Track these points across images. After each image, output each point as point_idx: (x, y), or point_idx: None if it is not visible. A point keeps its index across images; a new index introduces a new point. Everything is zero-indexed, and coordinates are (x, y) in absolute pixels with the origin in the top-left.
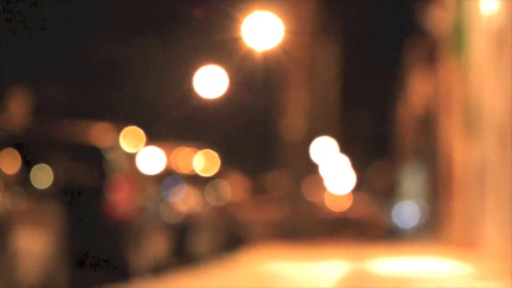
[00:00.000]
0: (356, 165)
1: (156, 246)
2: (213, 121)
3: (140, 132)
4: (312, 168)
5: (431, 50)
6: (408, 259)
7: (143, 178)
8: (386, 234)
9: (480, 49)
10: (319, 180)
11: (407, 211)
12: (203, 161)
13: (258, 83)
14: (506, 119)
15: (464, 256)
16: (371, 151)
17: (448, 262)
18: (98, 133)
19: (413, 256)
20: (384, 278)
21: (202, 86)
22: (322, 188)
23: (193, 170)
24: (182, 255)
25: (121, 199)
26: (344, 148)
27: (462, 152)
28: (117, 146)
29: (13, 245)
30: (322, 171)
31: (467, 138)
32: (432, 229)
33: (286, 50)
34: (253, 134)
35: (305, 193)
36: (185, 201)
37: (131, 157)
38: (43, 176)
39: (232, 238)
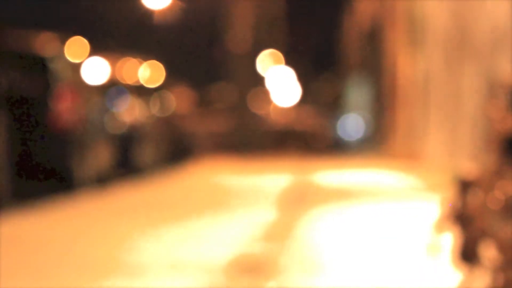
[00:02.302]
0: (302, 78)
1: (100, 156)
2: (159, 32)
3: (85, 42)
4: (258, 80)
5: None
6: (352, 171)
7: (88, 88)
8: (331, 147)
9: None
10: (265, 92)
11: (352, 124)
12: (148, 72)
13: None
14: (450, 33)
15: (407, 168)
16: (317, 64)
17: (392, 174)
18: (42, 43)
19: (357, 169)
20: (328, 190)
21: None
22: (268, 101)
23: (138, 81)
24: (126, 166)
25: (65, 109)
26: (290, 61)
27: (407, 65)
28: (61, 56)
29: None
30: (268, 83)
31: (411, 51)
32: (376, 141)
33: None
34: (199, 46)
35: (251, 105)
36: (129, 112)
37: (76, 67)
38: None
39: (177, 150)
